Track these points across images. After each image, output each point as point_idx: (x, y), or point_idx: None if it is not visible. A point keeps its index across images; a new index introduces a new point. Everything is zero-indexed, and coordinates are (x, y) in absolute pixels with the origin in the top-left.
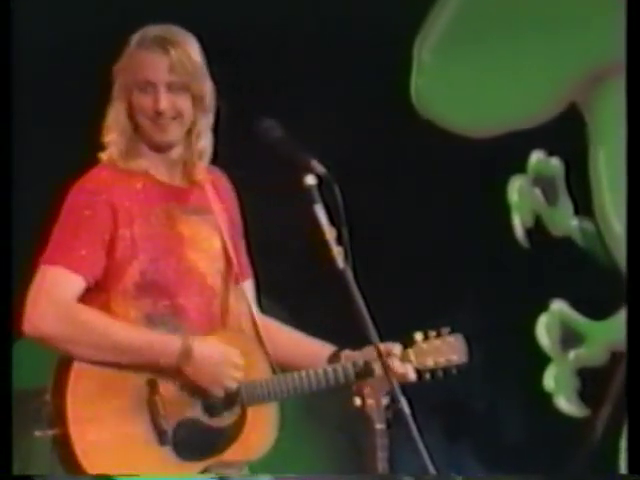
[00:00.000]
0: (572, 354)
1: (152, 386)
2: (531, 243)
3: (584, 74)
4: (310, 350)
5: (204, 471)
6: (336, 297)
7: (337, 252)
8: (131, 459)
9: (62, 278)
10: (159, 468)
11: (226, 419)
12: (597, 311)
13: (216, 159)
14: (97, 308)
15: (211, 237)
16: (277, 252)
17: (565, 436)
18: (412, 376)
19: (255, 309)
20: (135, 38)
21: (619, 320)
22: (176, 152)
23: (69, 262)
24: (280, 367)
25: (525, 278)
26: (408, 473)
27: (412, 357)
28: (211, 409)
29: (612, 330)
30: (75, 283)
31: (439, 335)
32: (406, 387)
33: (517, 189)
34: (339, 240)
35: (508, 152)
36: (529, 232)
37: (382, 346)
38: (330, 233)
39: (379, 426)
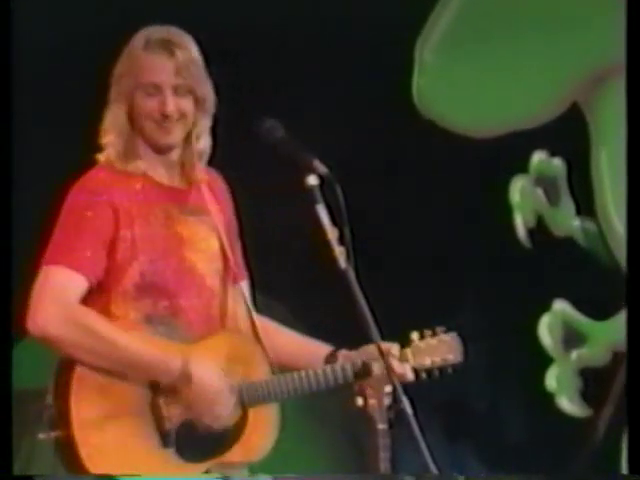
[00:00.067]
0: (574, 354)
1: (154, 388)
2: (533, 243)
3: (586, 74)
4: (307, 350)
5: (206, 472)
6: (338, 297)
7: (339, 252)
8: (135, 461)
9: (66, 278)
10: (162, 470)
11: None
12: (599, 311)
13: (218, 160)
14: (97, 309)
15: (209, 238)
16: (279, 252)
17: (567, 436)
18: (410, 376)
19: (252, 310)
20: (137, 40)
21: (621, 320)
22: (176, 153)
23: (72, 262)
24: (277, 367)
25: (527, 278)
26: (410, 473)
27: (410, 357)
28: None
29: (614, 330)
30: (79, 283)
31: (435, 334)
32: (408, 387)
33: (519, 189)
34: (341, 240)
35: (510, 152)
36: (531, 232)
37: (378, 344)
38: (332, 233)
39: (381, 426)
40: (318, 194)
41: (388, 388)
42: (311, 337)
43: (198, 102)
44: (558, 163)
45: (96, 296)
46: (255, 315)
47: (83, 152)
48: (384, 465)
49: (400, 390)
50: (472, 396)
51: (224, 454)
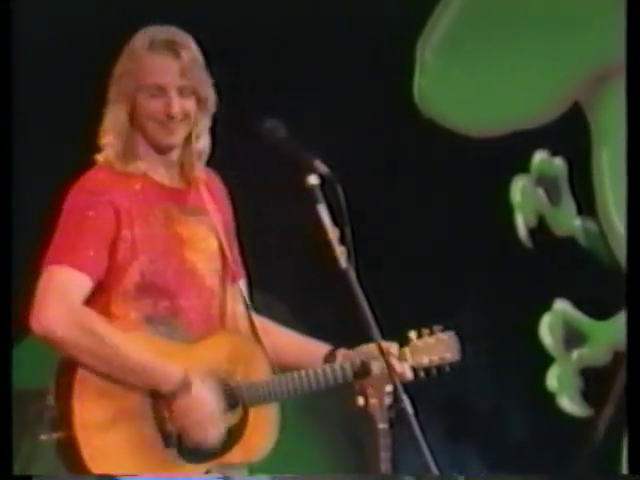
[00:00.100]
0: (575, 354)
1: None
2: (534, 243)
3: (587, 74)
4: (306, 349)
5: (206, 472)
6: (339, 297)
7: (340, 252)
8: (137, 462)
9: (70, 278)
10: (165, 470)
11: (229, 420)
12: (600, 311)
13: (218, 160)
14: (97, 309)
15: (208, 238)
16: (280, 252)
17: (568, 436)
18: (410, 375)
19: (251, 309)
20: (140, 41)
21: (622, 320)
22: (175, 153)
23: (76, 262)
24: (276, 367)
25: (528, 278)
26: (411, 473)
27: (408, 356)
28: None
29: (615, 330)
30: (83, 283)
31: (432, 333)
32: (409, 387)
33: (520, 189)
34: (342, 240)
35: (511, 152)
36: (532, 232)
37: (379, 344)
38: (333, 233)
39: (382, 426)
40: (319, 194)
41: (389, 387)
42: (312, 337)
43: (200, 102)
44: (559, 163)
45: (96, 296)
46: (254, 315)
47: (83, 152)
48: (385, 465)
49: (401, 390)
50: (473, 396)
51: (225, 454)
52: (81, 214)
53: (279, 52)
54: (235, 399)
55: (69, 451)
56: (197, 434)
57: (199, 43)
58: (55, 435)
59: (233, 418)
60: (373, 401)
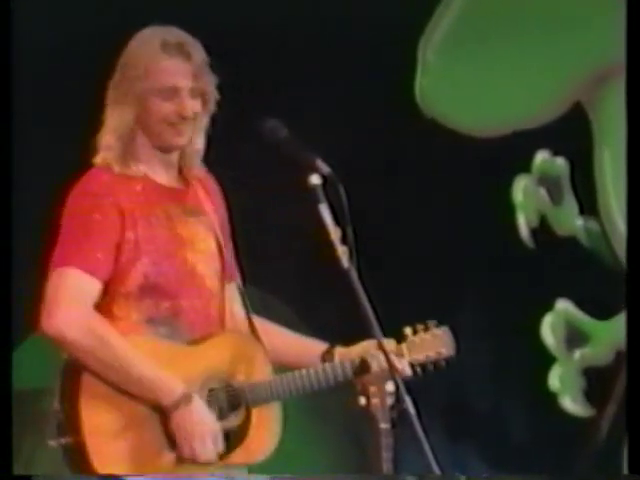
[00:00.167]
0: (577, 354)
1: None
2: (536, 243)
3: (588, 74)
4: (304, 348)
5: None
6: (340, 297)
7: (342, 252)
8: (145, 466)
9: (81, 280)
10: (172, 473)
11: (232, 421)
12: (602, 311)
13: (219, 160)
14: (99, 310)
15: (207, 238)
16: (281, 252)
17: (570, 436)
18: (408, 371)
19: (250, 309)
20: (150, 43)
21: (624, 320)
22: (176, 153)
23: (85, 264)
24: (275, 366)
25: (530, 278)
26: (413, 473)
27: (405, 352)
28: (218, 412)
29: (617, 330)
30: (93, 286)
31: (427, 329)
32: (411, 387)
33: (522, 189)
34: (344, 240)
35: (513, 152)
36: (534, 232)
37: (381, 343)
38: (335, 233)
39: (384, 426)
40: (321, 194)
41: (390, 387)
42: (314, 337)
43: (205, 103)
44: (561, 163)
45: (99, 297)
46: (252, 315)
47: (83, 152)
48: (386, 465)
49: (403, 389)
50: (475, 396)
51: (230, 455)
52: (87, 217)
53: (279, 52)
54: (238, 400)
55: (77, 457)
56: (193, 448)
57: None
58: (63, 440)
59: (236, 419)
60: (375, 401)
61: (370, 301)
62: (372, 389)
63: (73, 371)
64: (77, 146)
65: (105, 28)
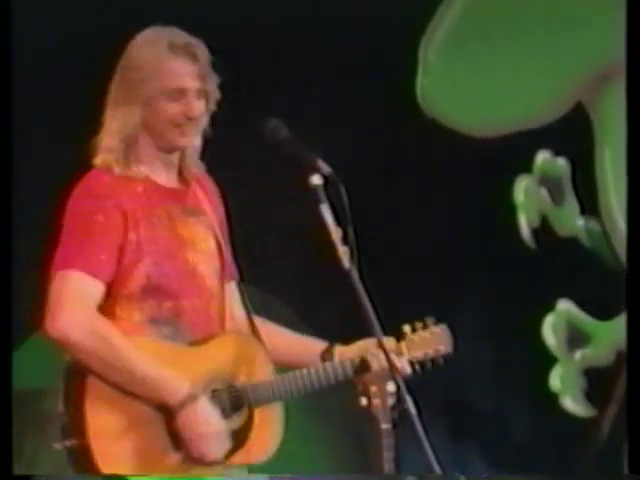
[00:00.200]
0: (578, 354)
1: None
2: (537, 243)
3: (589, 74)
4: (303, 347)
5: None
6: (341, 297)
7: (343, 252)
8: (150, 467)
9: (84, 283)
10: (176, 473)
11: (235, 422)
12: (603, 311)
13: (220, 160)
14: (101, 312)
15: (207, 238)
16: (282, 252)
17: (571, 436)
18: (408, 370)
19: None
20: (158, 44)
21: (625, 320)
22: (177, 153)
23: (88, 267)
24: (274, 365)
25: (531, 278)
26: (413, 473)
27: (404, 350)
28: (221, 413)
29: (618, 330)
30: (97, 289)
31: (426, 326)
32: (412, 387)
33: (523, 189)
34: (345, 240)
35: (514, 152)
36: (535, 232)
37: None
38: (336, 233)
39: (385, 426)
40: (322, 194)
41: (392, 387)
42: (316, 337)
43: (207, 102)
44: (562, 163)
45: (102, 299)
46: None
47: (83, 152)
48: (388, 465)
49: (404, 390)
50: (476, 396)
51: (234, 455)
52: (90, 218)
53: (279, 52)
54: (240, 401)
55: (82, 458)
56: (200, 448)
57: None
58: (68, 443)
59: (239, 420)
60: (376, 401)
61: (371, 301)
62: (373, 389)
63: (77, 373)
64: (77, 146)
65: (105, 28)
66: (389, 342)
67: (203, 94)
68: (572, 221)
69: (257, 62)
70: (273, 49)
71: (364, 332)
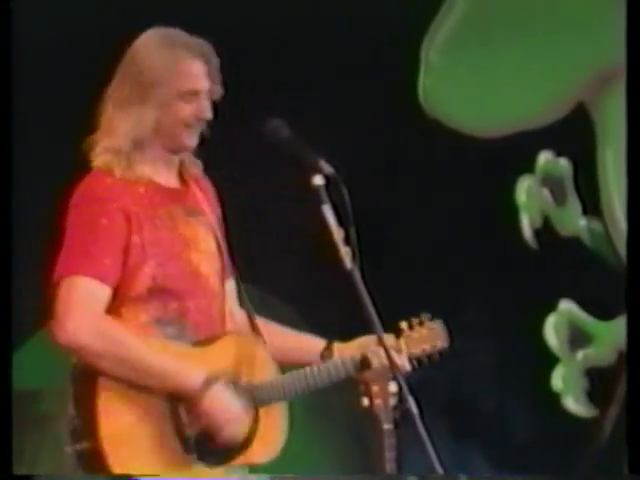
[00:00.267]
0: (580, 354)
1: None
2: (539, 243)
3: (592, 75)
4: (303, 345)
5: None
6: (343, 297)
7: (345, 252)
8: (161, 467)
9: (91, 288)
10: (184, 475)
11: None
12: (605, 311)
13: (221, 160)
14: (107, 313)
15: (207, 238)
16: (284, 252)
17: (573, 436)
18: (408, 366)
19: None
20: (173, 47)
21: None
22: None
23: (94, 272)
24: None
25: (533, 278)
26: (415, 473)
27: (403, 346)
28: None
29: (620, 330)
30: (103, 293)
31: (422, 322)
32: (413, 387)
33: (525, 189)
34: (347, 240)
35: (516, 152)
36: (537, 232)
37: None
38: (338, 233)
39: (387, 426)
40: (324, 194)
41: (393, 387)
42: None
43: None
44: (564, 163)
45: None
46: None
47: (83, 152)
48: (390, 465)
49: (406, 390)
50: (477, 396)
51: (240, 455)
52: (94, 222)
53: (279, 52)
54: (246, 400)
55: (94, 461)
56: (223, 433)
57: None
58: (79, 446)
59: (245, 419)
60: (378, 401)
61: (373, 301)
62: (375, 389)
63: (87, 375)
64: (77, 146)
65: (105, 28)
66: (388, 339)
67: (211, 95)
68: (574, 221)
69: (257, 62)
70: (273, 49)
71: (366, 332)
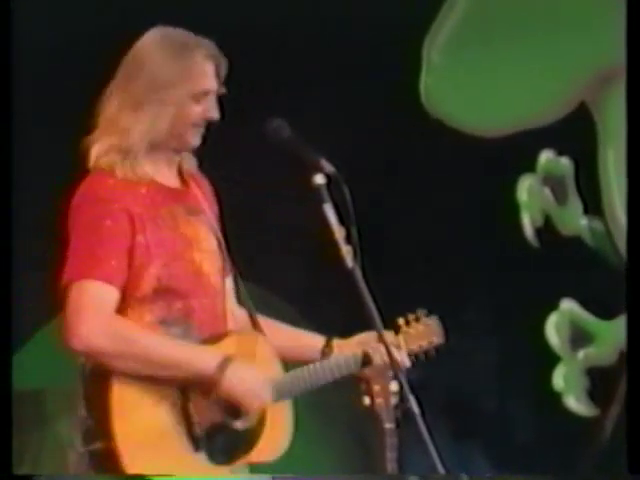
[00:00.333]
0: (581, 353)
1: (184, 394)
2: (540, 242)
3: (593, 74)
4: (303, 342)
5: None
6: (344, 296)
7: (346, 251)
8: (173, 468)
9: (100, 291)
10: (197, 474)
11: (249, 421)
12: (606, 310)
13: (222, 160)
14: None
15: (208, 236)
16: (286, 251)
17: (574, 436)
18: (407, 362)
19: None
20: (188, 48)
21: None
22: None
23: (102, 275)
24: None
25: (534, 277)
26: (417, 473)
27: (402, 343)
28: (235, 412)
29: (621, 330)
30: (112, 295)
31: (418, 319)
32: (415, 386)
33: (527, 188)
34: (348, 239)
35: (517, 151)
36: (538, 231)
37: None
38: (339, 232)
39: (388, 425)
40: (325, 193)
41: (394, 387)
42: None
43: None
44: (566, 162)
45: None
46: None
47: (83, 153)
48: (391, 465)
49: (407, 389)
50: (479, 395)
51: (248, 454)
52: (98, 224)
53: (279, 52)
54: None
55: (107, 462)
56: (251, 402)
57: None
58: (92, 447)
59: (251, 419)
60: (379, 401)
61: (375, 300)
62: (376, 388)
63: (98, 375)
64: (77, 146)
65: (105, 28)
66: (388, 335)
67: (217, 95)
68: (575, 220)
69: (257, 62)
70: (273, 49)
71: (367, 331)
